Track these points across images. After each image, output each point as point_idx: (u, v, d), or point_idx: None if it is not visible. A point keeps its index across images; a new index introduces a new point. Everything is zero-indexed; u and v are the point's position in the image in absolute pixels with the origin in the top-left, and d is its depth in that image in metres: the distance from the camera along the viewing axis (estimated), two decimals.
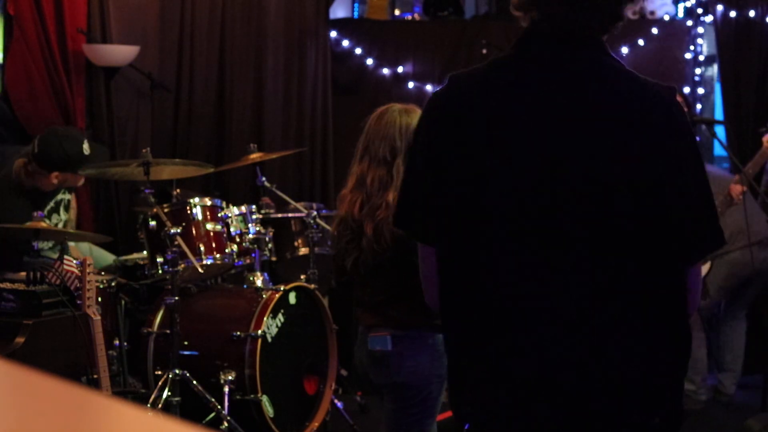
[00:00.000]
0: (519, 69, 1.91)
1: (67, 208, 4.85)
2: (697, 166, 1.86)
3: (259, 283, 4.54)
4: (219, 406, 4.09)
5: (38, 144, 4.49)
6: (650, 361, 1.85)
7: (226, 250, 4.42)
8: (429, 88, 7.03)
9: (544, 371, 1.82)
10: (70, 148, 4.49)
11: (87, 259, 3.59)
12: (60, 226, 4.75)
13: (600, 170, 1.81)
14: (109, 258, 4.91)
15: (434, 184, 1.92)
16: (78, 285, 3.58)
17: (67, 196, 4.84)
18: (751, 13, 6.72)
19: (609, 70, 1.89)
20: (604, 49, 1.91)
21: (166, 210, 4.28)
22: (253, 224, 4.64)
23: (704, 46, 7.07)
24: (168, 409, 4.03)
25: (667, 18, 7.10)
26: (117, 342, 4.25)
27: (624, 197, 1.80)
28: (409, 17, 7.86)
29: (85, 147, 4.54)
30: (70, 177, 4.59)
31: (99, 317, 3.56)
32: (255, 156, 5.07)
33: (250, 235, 4.60)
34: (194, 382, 4.11)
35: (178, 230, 4.16)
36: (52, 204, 4.73)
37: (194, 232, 4.35)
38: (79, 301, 3.57)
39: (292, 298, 4.50)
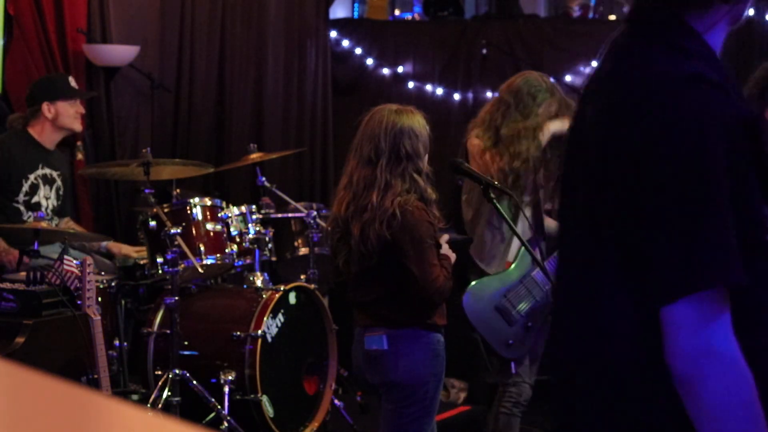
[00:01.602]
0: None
1: (59, 195, 4.80)
2: (657, 178, 1.53)
3: (259, 283, 4.53)
4: (219, 406, 4.09)
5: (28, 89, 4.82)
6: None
7: (226, 250, 4.42)
8: (429, 88, 7.03)
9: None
10: (55, 77, 4.91)
11: (87, 258, 3.60)
12: (49, 206, 4.69)
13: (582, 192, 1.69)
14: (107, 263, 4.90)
15: None
16: (78, 285, 3.58)
17: (59, 182, 4.79)
18: (751, 13, 6.73)
19: (624, 66, 1.64)
20: (655, 35, 1.63)
21: (166, 210, 4.28)
22: (253, 224, 4.64)
23: None
24: (168, 409, 4.03)
25: None
26: (117, 342, 4.25)
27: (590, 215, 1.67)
28: (409, 17, 7.86)
29: (71, 80, 4.78)
30: (62, 108, 4.63)
31: (99, 317, 3.57)
32: (255, 156, 5.07)
33: (250, 235, 4.60)
34: (194, 382, 4.11)
35: (178, 230, 4.16)
36: (47, 171, 4.70)
37: (194, 232, 4.35)
38: (79, 301, 3.57)
39: (292, 298, 4.50)
